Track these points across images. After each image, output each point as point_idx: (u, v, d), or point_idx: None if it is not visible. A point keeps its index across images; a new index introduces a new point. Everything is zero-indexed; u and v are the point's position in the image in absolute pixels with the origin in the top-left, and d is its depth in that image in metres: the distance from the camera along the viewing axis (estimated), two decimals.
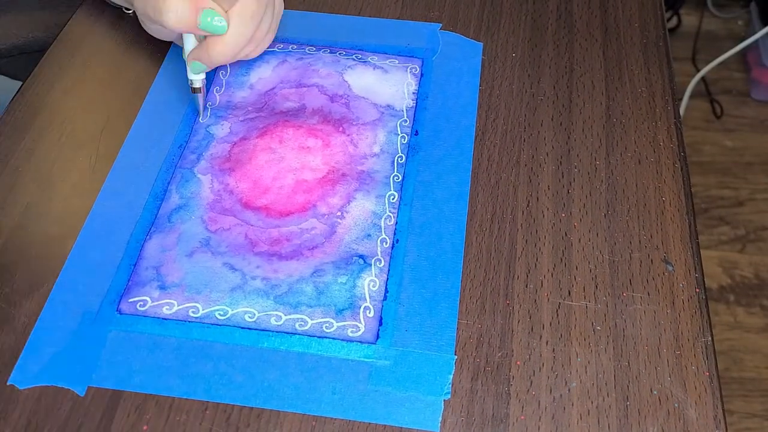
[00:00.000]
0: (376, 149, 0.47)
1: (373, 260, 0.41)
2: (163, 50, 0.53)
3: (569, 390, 0.37)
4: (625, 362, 0.38)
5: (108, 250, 0.42)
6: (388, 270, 0.41)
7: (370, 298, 0.40)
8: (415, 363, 0.38)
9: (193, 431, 0.36)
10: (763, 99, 1.52)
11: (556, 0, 0.57)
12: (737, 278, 1.26)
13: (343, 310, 0.39)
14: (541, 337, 0.39)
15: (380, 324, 0.39)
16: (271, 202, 0.44)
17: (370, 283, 0.40)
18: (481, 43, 0.53)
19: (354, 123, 0.48)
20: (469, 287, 0.41)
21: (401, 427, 0.36)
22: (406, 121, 0.48)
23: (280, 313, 0.39)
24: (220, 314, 0.39)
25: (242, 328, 0.39)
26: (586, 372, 0.38)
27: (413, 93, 0.50)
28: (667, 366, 0.38)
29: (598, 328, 0.39)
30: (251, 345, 0.38)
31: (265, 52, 0.52)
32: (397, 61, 0.52)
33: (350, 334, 0.39)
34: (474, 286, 0.41)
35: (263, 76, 0.51)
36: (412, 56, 0.52)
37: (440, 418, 0.36)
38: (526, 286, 0.41)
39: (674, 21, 1.64)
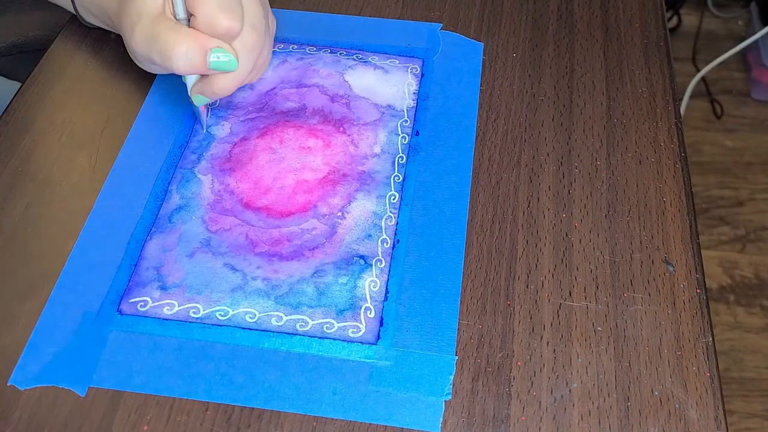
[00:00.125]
0: (377, 149, 0.47)
1: (373, 261, 0.41)
2: None
3: (570, 390, 0.37)
4: (626, 363, 0.38)
5: (108, 250, 0.42)
6: (389, 270, 0.41)
7: (370, 298, 0.40)
8: (416, 364, 0.38)
9: None
10: (763, 99, 1.52)
11: (556, 0, 0.57)
12: (737, 278, 1.26)
13: (343, 310, 0.39)
14: (541, 337, 0.39)
15: (381, 324, 0.39)
16: (271, 203, 0.44)
17: (371, 283, 0.40)
18: (482, 43, 0.53)
19: (354, 123, 0.48)
20: (469, 288, 0.41)
21: (402, 428, 0.36)
22: (406, 121, 0.48)
23: (280, 314, 0.39)
24: (220, 315, 0.39)
25: (243, 328, 0.39)
26: (587, 372, 0.38)
27: (414, 93, 0.50)
28: (668, 366, 0.38)
29: (599, 328, 0.39)
30: (252, 345, 0.38)
31: None
32: (397, 61, 0.52)
33: (351, 335, 0.39)
34: (475, 286, 0.41)
35: (264, 76, 0.51)
36: (413, 56, 0.52)
37: (441, 419, 0.36)
38: (527, 287, 0.41)
39: (674, 21, 1.64)
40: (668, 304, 0.40)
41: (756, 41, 1.45)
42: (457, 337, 0.39)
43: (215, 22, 0.40)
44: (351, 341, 0.38)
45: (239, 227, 0.43)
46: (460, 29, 0.55)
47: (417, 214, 0.44)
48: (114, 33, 0.52)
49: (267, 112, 0.49)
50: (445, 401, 0.37)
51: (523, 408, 0.37)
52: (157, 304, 0.40)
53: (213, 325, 0.39)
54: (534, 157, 0.47)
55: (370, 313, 0.39)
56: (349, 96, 0.49)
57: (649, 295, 0.40)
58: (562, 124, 0.49)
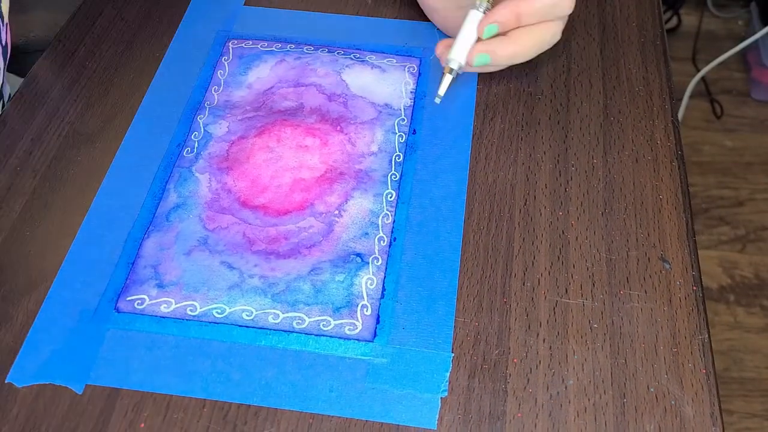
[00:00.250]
0: (374, 148, 0.47)
1: (370, 258, 0.41)
2: (161, 50, 0.53)
3: (566, 387, 0.37)
4: (622, 360, 0.38)
5: (106, 248, 0.42)
6: (386, 268, 0.41)
7: (367, 296, 0.40)
8: (413, 361, 0.38)
9: (191, 429, 0.36)
10: (763, 99, 1.52)
11: None
12: (737, 278, 1.26)
13: (340, 308, 0.39)
14: (538, 334, 0.39)
15: (378, 322, 0.39)
16: (269, 201, 0.44)
17: (368, 281, 0.41)
18: None
19: (352, 122, 0.48)
20: (466, 285, 0.41)
21: (398, 425, 0.36)
22: (403, 119, 0.48)
23: (277, 311, 0.39)
24: (217, 312, 0.39)
25: (240, 326, 0.39)
26: (583, 369, 0.38)
27: (411, 92, 0.50)
28: (664, 363, 0.38)
29: (595, 325, 0.39)
30: (249, 343, 0.38)
31: (264, 52, 0.52)
32: (394, 60, 0.52)
33: (348, 332, 0.39)
34: (471, 284, 0.41)
35: (261, 75, 0.51)
36: (410, 55, 0.52)
37: (437, 416, 0.36)
38: (524, 284, 0.41)
39: (674, 21, 1.64)
40: (664, 302, 0.40)
41: (756, 41, 1.45)
42: (453, 334, 0.39)
43: None
44: (348, 338, 0.38)
45: (236, 225, 0.43)
46: None
47: (414, 212, 0.44)
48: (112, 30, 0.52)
49: (264, 111, 0.49)
50: (441, 398, 0.37)
51: (519, 405, 0.37)
52: (154, 302, 0.40)
53: (210, 322, 0.39)
54: (530, 155, 0.47)
55: (366, 311, 0.39)
56: (346, 95, 0.50)
57: (646, 292, 0.41)
58: (558, 122, 0.49)
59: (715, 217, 1.33)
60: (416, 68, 0.52)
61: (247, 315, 0.39)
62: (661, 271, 0.41)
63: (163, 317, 0.39)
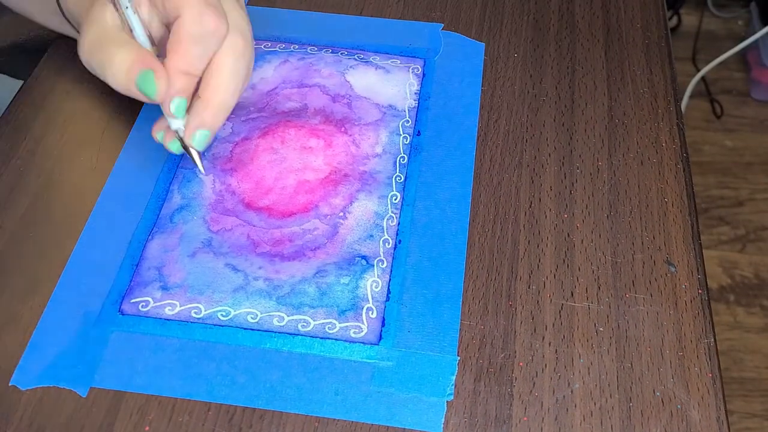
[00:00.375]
0: (379, 150, 0.47)
1: (375, 261, 0.41)
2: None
3: (572, 391, 0.37)
4: (628, 363, 0.38)
5: (110, 250, 0.42)
6: (391, 271, 0.41)
7: (372, 299, 0.40)
8: (418, 364, 0.38)
9: None
10: (763, 99, 1.52)
11: (557, 0, 0.57)
12: (737, 278, 1.26)
13: (345, 311, 0.39)
14: (543, 338, 0.39)
15: (383, 325, 0.39)
16: (273, 203, 0.44)
17: (373, 284, 0.40)
18: (483, 44, 0.53)
19: (356, 123, 0.48)
20: (471, 288, 0.41)
21: (404, 428, 0.36)
22: (408, 121, 0.48)
23: (282, 314, 0.39)
24: (222, 315, 0.39)
25: (245, 329, 0.39)
26: (588, 373, 0.38)
27: (415, 93, 0.50)
28: (670, 367, 0.38)
29: (601, 329, 0.39)
30: (254, 346, 0.38)
31: (267, 52, 0.52)
32: (399, 61, 0.52)
33: (353, 335, 0.38)
34: (476, 287, 0.41)
35: (265, 76, 0.51)
36: (414, 56, 0.52)
37: (443, 420, 0.36)
38: (529, 287, 0.41)
39: (674, 21, 1.64)
40: (670, 305, 0.40)
41: (756, 41, 1.45)
42: (459, 337, 0.39)
43: (203, 19, 0.37)
44: (353, 341, 0.38)
45: (241, 227, 0.43)
46: (462, 29, 0.55)
47: (419, 215, 0.44)
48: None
49: (268, 112, 0.48)
50: (447, 402, 0.37)
51: (525, 408, 0.37)
52: (158, 304, 0.39)
53: (215, 325, 0.39)
54: (535, 157, 0.47)
55: (372, 314, 0.39)
56: (350, 96, 0.49)
57: (651, 295, 0.40)
58: (563, 124, 0.49)
59: (715, 217, 1.34)
60: (420, 69, 0.51)
61: (252, 317, 0.39)
62: (666, 274, 0.41)
63: (168, 320, 0.39)
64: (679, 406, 0.37)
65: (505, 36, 0.54)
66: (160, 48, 0.41)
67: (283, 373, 0.37)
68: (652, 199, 0.45)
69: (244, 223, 0.43)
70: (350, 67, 0.51)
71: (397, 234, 0.43)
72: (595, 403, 0.37)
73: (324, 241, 0.42)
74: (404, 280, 0.41)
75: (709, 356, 0.38)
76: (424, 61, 0.52)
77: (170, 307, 0.39)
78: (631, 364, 0.38)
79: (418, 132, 0.48)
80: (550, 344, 0.39)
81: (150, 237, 0.42)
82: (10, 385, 0.37)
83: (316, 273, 0.41)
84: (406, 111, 0.49)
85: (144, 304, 0.39)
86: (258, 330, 0.39)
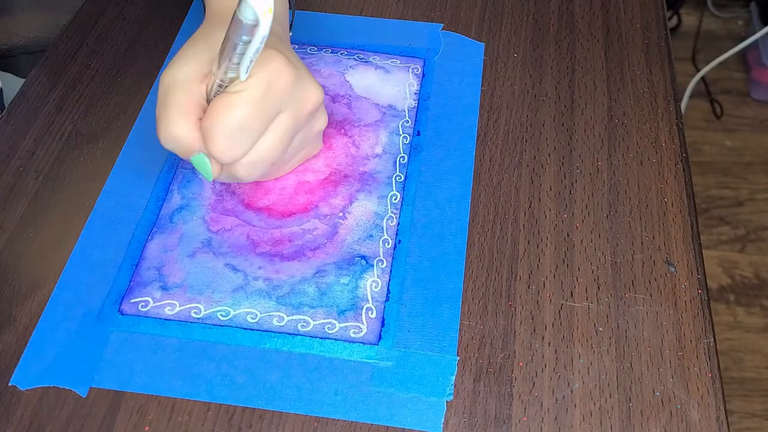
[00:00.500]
0: (378, 150, 0.47)
1: (375, 261, 0.41)
2: (164, 50, 0.53)
3: (572, 391, 0.37)
4: (628, 363, 0.38)
5: (110, 250, 0.42)
6: (390, 271, 0.41)
7: (372, 299, 0.40)
8: (418, 364, 0.38)
9: None
10: (763, 99, 1.52)
11: (557, 0, 0.57)
12: (737, 278, 1.26)
13: (345, 311, 0.39)
14: (543, 338, 0.39)
15: (382, 325, 0.39)
16: (272, 203, 0.44)
17: (372, 283, 0.40)
18: (483, 44, 0.53)
19: (356, 124, 0.48)
20: (471, 288, 0.41)
21: (404, 428, 0.36)
22: (408, 121, 0.48)
23: (282, 314, 0.39)
24: (222, 315, 0.39)
25: (244, 329, 0.39)
26: (588, 373, 0.38)
27: (415, 93, 0.50)
28: (670, 367, 0.38)
29: (601, 329, 0.39)
30: (253, 346, 0.38)
31: None
32: (398, 62, 0.52)
33: (352, 335, 0.38)
34: (476, 287, 0.41)
35: None
36: (414, 56, 0.52)
37: (443, 420, 0.36)
38: (528, 287, 0.41)
39: (674, 21, 1.64)
40: (670, 305, 0.40)
41: (756, 41, 1.45)
42: (458, 337, 0.39)
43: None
44: (352, 341, 0.38)
45: (240, 227, 0.43)
46: (461, 29, 0.55)
47: (418, 215, 0.44)
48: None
49: None
50: (446, 402, 0.37)
51: (525, 408, 0.37)
52: (158, 304, 0.39)
53: (214, 325, 0.39)
54: (535, 157, 0.47)
55: (371, 314, 0.39)
56: (350, 96, 0.49)
57: (651, 295, 0.40)
58: (563, 124, 0.49)
59: (715, 217, 1.34)
60: (420, 69, 0.51)
61: (251, 318, 0.39)
62: (666, 274, 0.41)
63: (168, 320, 0.39)
64: (678, 406, 0.37)
65: (504, 36, 0.54)
66: None
67: (282, 373, 0.37)
68: (651, 199, 0.45)
69: (243, 223, 0.43)
70: (350, 67, 0.51)
71: (396, 234, 0.43)
72: (594, 403, 0.37)
73: (324, 241, 0.42)
74: (404, 280, 0.41)
75: (708, 356, 0.38)
76: (424, 61, 0.52)
77: (170, 307, 0.39)
78: (631, 364, 0.38)
79: (418, 132, 0.48)
80: (549, 344, 0.39)
81: (150, 237, 0.42)
82: (10, 384, 0.37)
83: (316, 273, 0.41)
84: (406, 111, 0.49)
85: (144, 304, 0.39)
86: (258, 330, 0.39)
